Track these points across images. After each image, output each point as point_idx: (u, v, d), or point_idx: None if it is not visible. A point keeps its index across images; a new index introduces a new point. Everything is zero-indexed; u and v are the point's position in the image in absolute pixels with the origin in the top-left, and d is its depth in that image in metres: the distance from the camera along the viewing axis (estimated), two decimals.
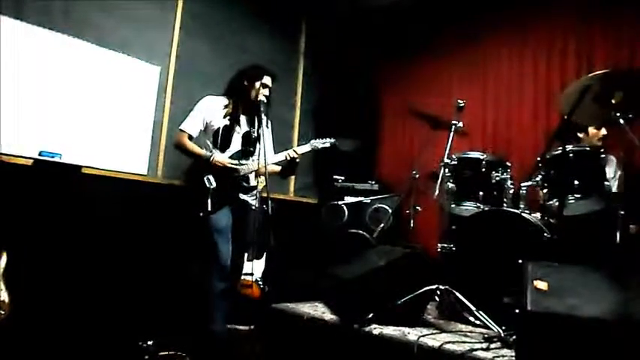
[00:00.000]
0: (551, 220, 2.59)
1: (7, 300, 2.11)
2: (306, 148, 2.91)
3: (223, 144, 2.78)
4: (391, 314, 2.20)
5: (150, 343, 2.63)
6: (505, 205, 2.85)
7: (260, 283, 3.18)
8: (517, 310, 1.62)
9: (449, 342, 1.91)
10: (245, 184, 2.81)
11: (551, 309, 1.57)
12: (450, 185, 2.94)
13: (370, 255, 2.63)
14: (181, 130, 2.76)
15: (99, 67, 3.16)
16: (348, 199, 4.17)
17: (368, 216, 4.06)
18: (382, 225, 3.70)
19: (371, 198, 4.12)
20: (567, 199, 2.50)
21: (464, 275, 2.50)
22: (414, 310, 2.36)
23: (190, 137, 2.76)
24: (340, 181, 4.32)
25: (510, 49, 4.13)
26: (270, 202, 2.59)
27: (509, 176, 2.93)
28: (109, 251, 3.01)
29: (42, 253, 2.58)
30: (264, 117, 2.82)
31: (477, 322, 2.26)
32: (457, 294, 2.31)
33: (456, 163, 2.98)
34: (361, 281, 2.30)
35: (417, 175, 3.43)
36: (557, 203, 2.53)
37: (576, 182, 2.50)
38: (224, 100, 2.85)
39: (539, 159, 2.64)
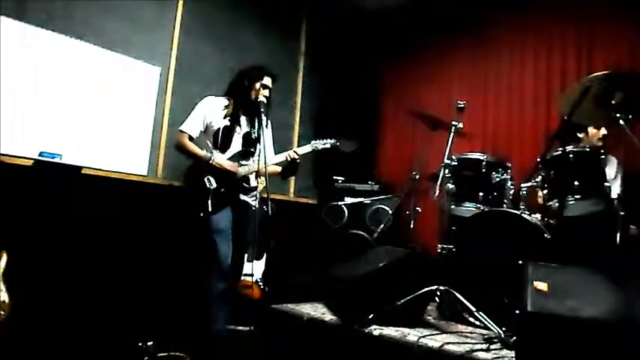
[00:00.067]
0: (552, 221, 2.59)
1: (7, 300, 2.11)
2: (306, 148, 2.91)
3: (223, 144, 2.78)
4: (391, 315, 2.20)
5: (150, 343, 2.63)
6: (505, 205, 2.85)
7: (260, 283, 3.18)
8: (517, 311, 1.62)
9: (449, 343, 1.91)
10: (245, 184, 2.81)
11: (551, 310, 1.57)
12: (450, 186, 2.94)
13: (370, 256, 2.63)
14: (181, 131, 2.76)
15: (99, 67, 3.16)
16: (348, 200, 4.17)
17: (368, 217, 4.07)
18: (382, 226, 3.70)
19: (371, 199, 4.12)
20: (567, 200, 2.50)
21: (464, 276, 2.49)
22: (414, 311, 2.36)
23: (191, 138, 2.75)
24: (340, 181, 4.33)
25: (511, 49, 4.14)
26: (270, 202, 2.60)
27: (509, 177, 2.93)
28: (109, 252, 3.01)
29: (42, 253, 2.58)
30: (264, 117, 2.82)
31: (477, 322, 2.26)
32: (457, 295, 2.31)
33: (456, 163, 2.98)
34: (361, 282, 2.29)
35: (417, 176, 3.43)
36: (557, 204, 2.53)
37: (576, 183, 2.50)
38: (224, 101, 2.85)
39: (539, 160, 2.64)
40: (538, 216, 2.66)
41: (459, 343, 1.94)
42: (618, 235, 2.24)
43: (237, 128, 2.81)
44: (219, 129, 2.77)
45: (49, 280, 2.62)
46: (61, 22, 2.98)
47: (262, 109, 2.80)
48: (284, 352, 2.46)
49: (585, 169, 2.54)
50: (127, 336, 2.70)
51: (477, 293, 2.29)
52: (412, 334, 2.04)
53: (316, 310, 2.50)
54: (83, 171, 2.86)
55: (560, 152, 2.54)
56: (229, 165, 2.71)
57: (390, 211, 3.92)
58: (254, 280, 3.17)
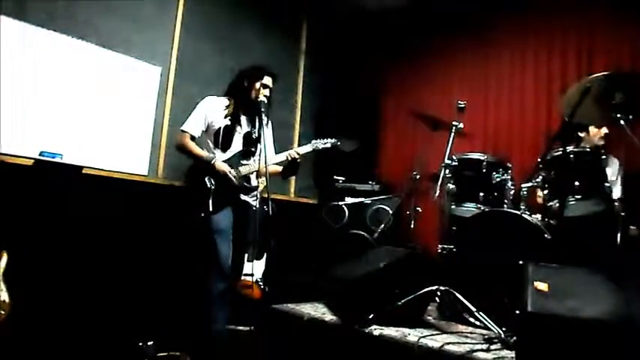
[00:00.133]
0: (552, 222, 2.59)
1: (7, 300, 2.11)
2: (307, 148, 2.91)
3: (224, 144, 2.78)
4: (391, 315, 2.20)
5: (150, 343, 2.63)
6: (506, 206, 2.85)
7: (260, 283, 3.18)
8: (517, 312, 1.62)
9: (449, 343, 1.91)
10: (246, 184, 2.81)
11: (551, 310, 1.57)
12: (451, 186, 2.94)
13: (370, 256, 2.63)
14: (183, 131, 2.76)
15: (100, 67, 3.16)
16: (349, 200, 4.17)
17: (368, 217, 4.07)
18: (382, 226, 3.71)
19: (371, 199, 4.12)
20: (568, 201, 2.50)
21: (464, 276, 2.49)
22: (415, 311, 2.36)
23: (192, 138, 2.75)
24: (341, 181, 4.33)
25: (511, 50, 4.14)
26: (270, 202, 2.59)
27: (509, 177, 2.93)
28: (109, 252, 3.01)
29: (42, 253, 2.58)
30: (264, 117, 2.82)
31: (478, 323, 2.26)
32: (457, 295, 2.31)
33: (456, 164, 2.98)
34: (362, 282, 2.29)
35: (418, 176, 3.43)
36: (557, 204, 2.53)
37: (577, 183, 2.50)
38: (225, 101, 2.85)
39: (539, 160, 2.64)
40: (538, 216, 2.66)
41: (459, 343, 1.94)
42: (618, 235, 2.24)
43: (238, 128, 2.81)
44: (219, 129, 2.77)
45: (49, 280, 2.62)
46: (61, 21, 2.98)
47: (263, 109, 2.80)
48: (284, 352, 2.46)
49: (586, 170, 2.54)
50: (127, 336, 2.70)
51: (477, 293, 2.29)
52: (412, 335, 2.04)
53: (316, 310, 2.50)
54: (84, 171, 2.86)
55: (560, 152, 2.54)
56: (228, 171, 2.69)
57: (391, 211, 3.92)
58: (254, 280, 3.17)
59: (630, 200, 2.40)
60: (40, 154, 2.77)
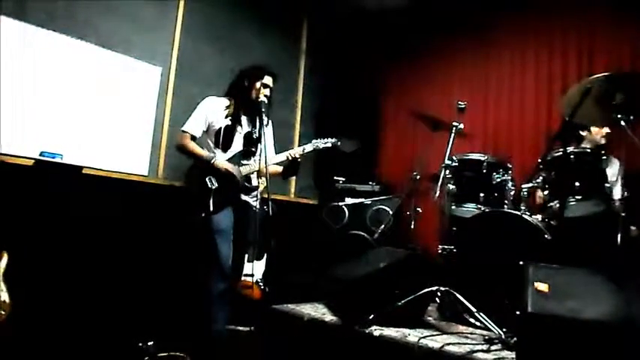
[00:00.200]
0: (552, 222, 2.59)
1: (7, 300, 2.11)
2: (307, 148, 2.91)
3: (225, 144, 2.78)
4: (392, 315, 2.20)
5: (150, 343, 2.62)
6: (506, 206, 2.85)
7: (260, 283, 3.17)
8: (518, 312, 1.61)
9: (449, 343, 1.91)
10: (247, 184, 2.81)
11: (551, 311, 1.57)
12: (451, 187, 2.94)
13: (371, 256, 2.63)
14: (183, 131, 2.76)
15: (100, 67, 3.16)
16: (349, 200, 4.17)
17: (368, 217, 4.06)
18: (383, 226, 3.70)
19: (372, 199, 4.12)
20: (568, 201, 2.50)
21: (464, 277, 2.49)
22: (415, 312, 2.36)
23: (193, 138, 2.75)
24: (341, 182, 4.33)
25: (512, 50, 4.14)
26: (270, 202, 2.59)
27: (510, 178, 2.93)
28: (110, 252, 3.01)
29: (42, 253, 2.58)
30: (265, 117, 2.82)
31: (478, 323, 2.26)
32: (458, 295, 2.31)
33: (456, 164, 2.98)
34: (362, 282, 2.30)
35: (418, 177, 3.43)
36: (558, 205, 2.53)
37: (577, 184, 2.50)
38: (225, 101, 2.85)
39: (540, 160, 2.64)
40: (539, 217, 2.66)
41: (459, 343, 1.94)
42: (619, 236, 2.23)
43: (239, 128, 2.81)
44: (220, 129, 2.77)
45: (49, 280, 2.62)
46: (61, 22, 2.98)
47: (263, 109, 2.80)
48: (284, 352, 2.46)
49: (586, 170, 2.54)
50: (127, 336, 2.70)
51: (478, 294, 2.29)
52: (413, 335, 2.04)
53: (317, 311, 2.50)
54: (84, 171, 2.86)
55: (560, 153, 2.54)
56: (231, 168, 2.70)
57: (391, 212, 3.92)
58: (254, 281, 3.16)
59: (631, 200, 2.39)
60: (40, 154, 2.77)
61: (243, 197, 2.80)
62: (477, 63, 4.32)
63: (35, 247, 2.53)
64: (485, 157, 2.96)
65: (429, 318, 2.49)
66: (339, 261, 2.85)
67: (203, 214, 2.61)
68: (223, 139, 2.77)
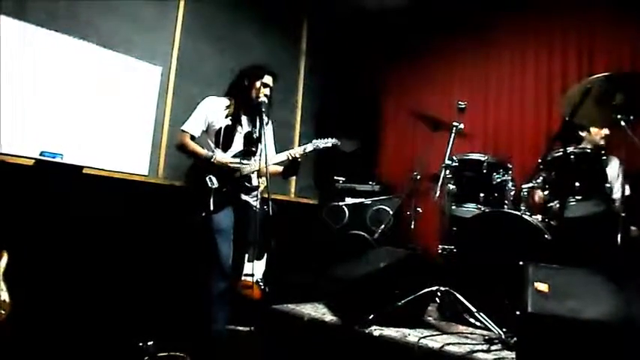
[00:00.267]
0: (552, 222, 2.59)
1: (7, 300, 2.11)
2: (307, 147, 2.90)
3: (225, 144, 2.78)
4: (392, 315, 2.20)
5: (150, 343, 2.62)
6: (506, 206, 2.85)
7: (260, 283, 3.17)
8: (518, 312, 1.61)
9: (449, 343, 1.91)
10: (247, 184, 2.81)
11: (551, 311, 1.57)
12: (451, 187, 2.94)
13: (371, 256, 2.63)
14: (183, 131, 2.76)
15: (100, 67, 3.16)
16: (349, 200, 4.17)
17: (369, 217, 4.06)
18: (383, 226, 3.70)
19: (372, 199, 4.12)
20: (568, 201, 2.50)
21: (465, 277, 2.49)
22: (415, 312, 2.36)
23: (192, 137, 2.76)
24: (341, 182, 4.33)
25: (512, 50, 4.14)
26: (270, 202, 2.59)
27: (510, 178, 2.92)
28: (110, 251, 3.01)
29: (43, 253, 2.58)
30: (265, 117, 2.82)
31: (478, 323, 2.26)
32: (458, 295, 2.31)
33: (456, 164, 2.98)
34: (362, 282, 2.29)
35: (418, 177, 3.43)
36: (558, 205, 2.53)
37: (577, 184, 2.50)
38: (226, 101, 2.85)
39: (540, 161, 2.64)
40: (539, 217, 2.66)
41: (459, 343, 1.94)
42: (619, 236, 2.23)
43: (239, 128, 2.81)
44: (220, 128, 2.77)
45: (49, 280, 2.62)
46: (62, 21, 2.98)
47: (263, 109, 2.80)
48: (284, 352, 2.46)
49: (586, 170, 2.54)
50: (127, 336, 2.70)
51: (478, 294, 2.29)
52: (413, 335, 2.04)
53: (317, 311, 2.51)
54: (84, 171, 2.86)
55: (561, 153, 2.54)
56: (231, 162, 2.71)
57: (391, 212, 3.92)
58: (254, 281, 3.17)
59: (631, 200, 2.39)
60: (40, 154, 2.77)
61: (244, 197, 2.80)
62: (477, 63, 4.32)
63: (35, 247, 2.53)
64: (486, 157, 2.96)
65: (429, 318, 2.49)
66: (339, 261, 2.85)
67: (203, 214, 2.61)
68: (223, 139, 2.77)
